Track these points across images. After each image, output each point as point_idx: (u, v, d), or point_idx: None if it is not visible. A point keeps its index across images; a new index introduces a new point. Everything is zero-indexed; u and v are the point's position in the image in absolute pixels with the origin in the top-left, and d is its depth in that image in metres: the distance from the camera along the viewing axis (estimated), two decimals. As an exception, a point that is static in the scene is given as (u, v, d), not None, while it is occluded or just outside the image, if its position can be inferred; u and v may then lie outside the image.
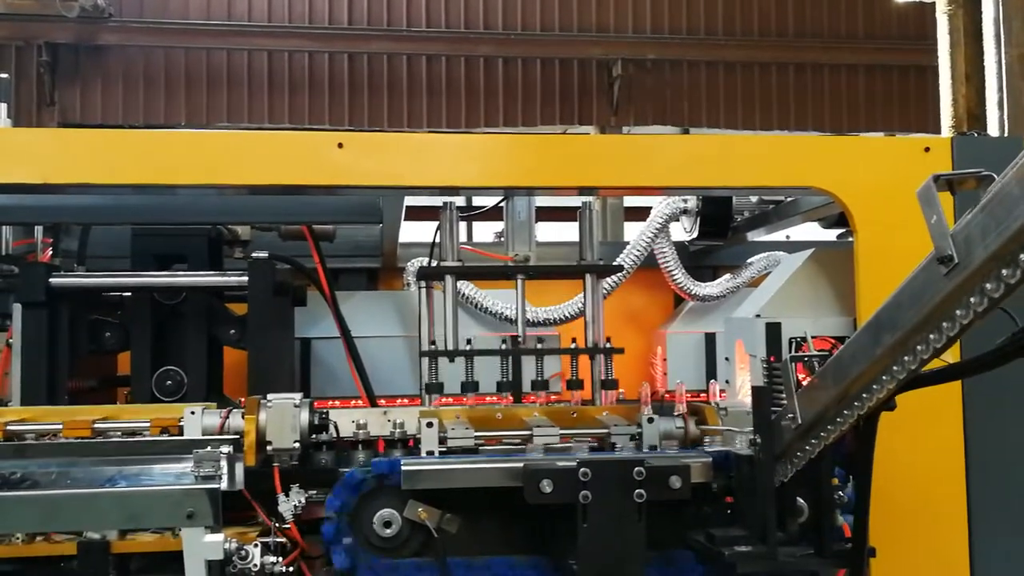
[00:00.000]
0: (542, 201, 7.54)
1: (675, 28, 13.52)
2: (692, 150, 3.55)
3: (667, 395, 5.10)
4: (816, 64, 13.74)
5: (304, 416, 3.06)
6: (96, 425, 3.01)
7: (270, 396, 3.08)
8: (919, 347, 2.06)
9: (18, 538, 2.90)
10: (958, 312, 1.91)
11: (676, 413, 3.33)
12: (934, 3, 9.16)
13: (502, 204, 3.93)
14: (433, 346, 3.51)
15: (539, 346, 3.56)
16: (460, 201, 4.66)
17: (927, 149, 3.48)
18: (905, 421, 2.74)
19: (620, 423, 3.27)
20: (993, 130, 7.95)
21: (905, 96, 13.91)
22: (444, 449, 3.08)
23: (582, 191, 3.60)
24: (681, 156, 3.52)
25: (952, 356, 2.28)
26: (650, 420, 3.21)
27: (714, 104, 13.56)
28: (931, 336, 2.01)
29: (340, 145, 3.25)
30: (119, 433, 3.03)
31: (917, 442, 3.29)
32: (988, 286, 1.81)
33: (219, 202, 4.07)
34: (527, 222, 3.85)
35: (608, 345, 3.57)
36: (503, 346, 3.56)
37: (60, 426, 3.00)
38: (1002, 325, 2.13)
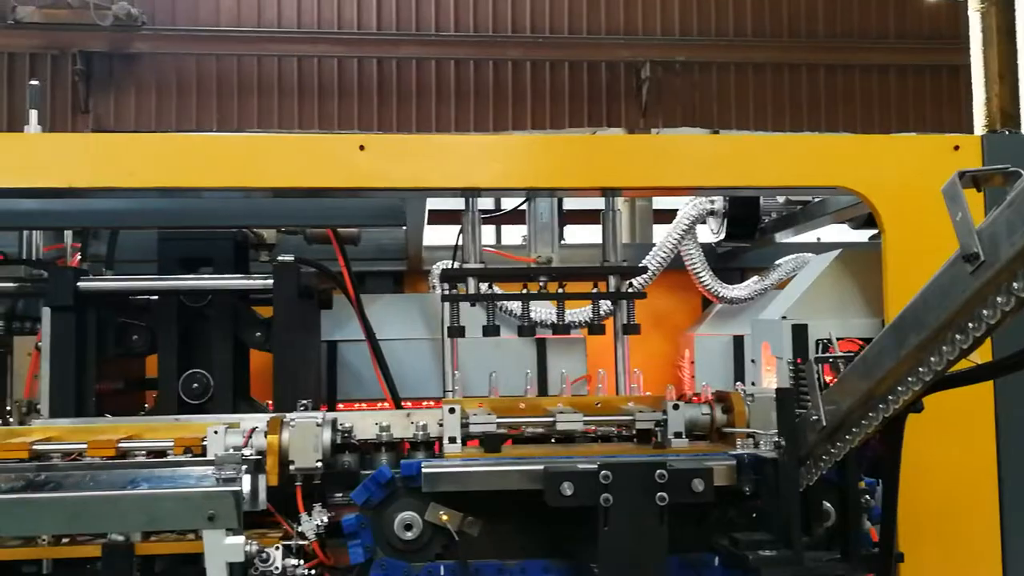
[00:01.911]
0: (571, 204, 7.51)
1: (704, 30, 13.45)
2: (716, 150, 3.52)
3: (694, 398, 5.07)
4: (847, 65, 13.60)
5: (327, 435, 3.07)
6: (120, 445, 3.04)
7: (292, 415, 3.10)
8: (945, 348, 2.02)
9: (44, 539, 2.92)
10: (984, 312, 1.87)
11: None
12: (966, 1, 9.03)
13: (522, 208, 3.91)
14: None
15: (560, 290, 3.57)
16: (489, 203, 4.68)
17: (956, 147, 3.43)
18: (935, 423, 2.69)
19: (645, 411, 3.25)
20: (1027, 128, 7.84)
21: (938, 96, 13.73)
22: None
23: (605, 192, 3.58)
24: (706, 156, 3.49)
25: (982, 357, 2.24)
26: (675, 407, 3.18)
27: (743, 106, 13.46)
28: (957, 336, 1.97)
29: (362, 147, 3.26)
30: (144, 452, 3.06)
31: (948, 445, 3.23)
32: (1015, 285, 1.77)
33: (243, 205, 4.09)
34: (550, 224, 3.82)
35: (630, 290, 3.57)
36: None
37: (85, 446, 3.03)
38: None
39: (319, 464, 3.01)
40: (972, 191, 1.93)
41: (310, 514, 2.96)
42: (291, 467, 3.00)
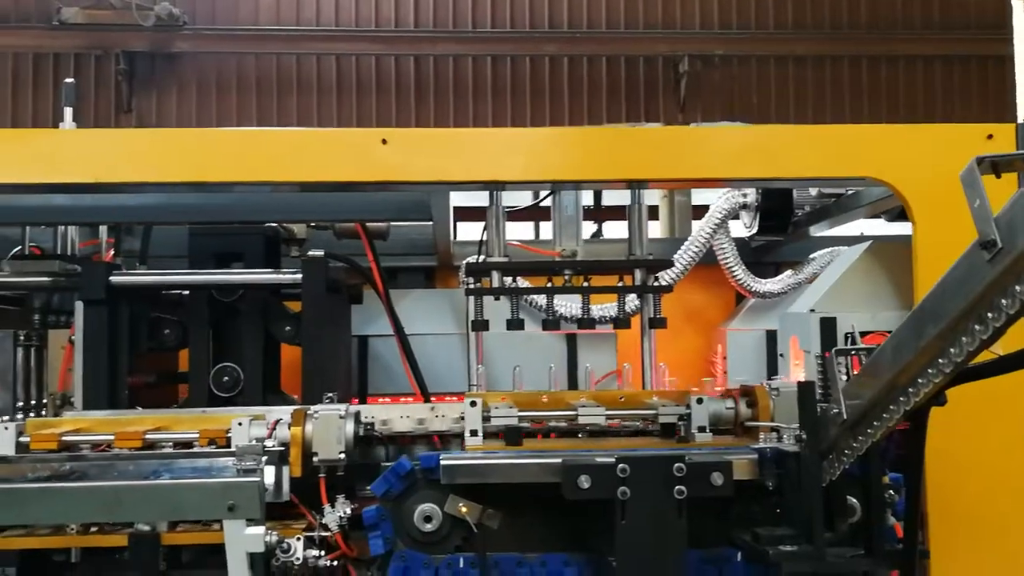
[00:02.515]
0: (609, 200, 7.45)
1: (743, 23, 13.29)
2: (744, 141, 3.48)
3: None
4: (890, 56, 13.35)
5: (349, 427, 3.09)
6: (147, 436, 3.09)
7: (316, 407, 3.12)
8: (964, 338, 1.97)
9: (72, 529, 2.98)
10: (1003, 301, 1.82)
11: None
12: (1011, -11, 8.84)
13: (543, 203, 3.90)
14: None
15: (586, 284, 3.55)
16: (527, 196, 4.67)
17: (990, 136, 3.37)
18: (966, 416, 2.64)
19: (669, 405, 3.23)
20: (1073, 119, 7.64)
21: (984, 88, 13.42)
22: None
23: (631, 184, 3.55)
24: (733, 147, 3.45)
25: (1009, 347, 2.19)
26: (699, 401, 3.16)
27: (784, 99, 13.28)
28: (976, 327, 1.92)
29: (384, 141, 3.26)
30: (170, 444, 3.10)
31: (979, 439, 3.17)
32: (1034, 273, 1.73)
33: (272, 200, 4.12)
34: (575, 217, 3.80)
35: (656, 284, 3.55)
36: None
37: (112, 437, 3.08)
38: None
39: (342, 456, 3.03)
40: (1006, 178, 1.89)
41: (333, 506, 2.98)
42: (314, 459, 3.03)
